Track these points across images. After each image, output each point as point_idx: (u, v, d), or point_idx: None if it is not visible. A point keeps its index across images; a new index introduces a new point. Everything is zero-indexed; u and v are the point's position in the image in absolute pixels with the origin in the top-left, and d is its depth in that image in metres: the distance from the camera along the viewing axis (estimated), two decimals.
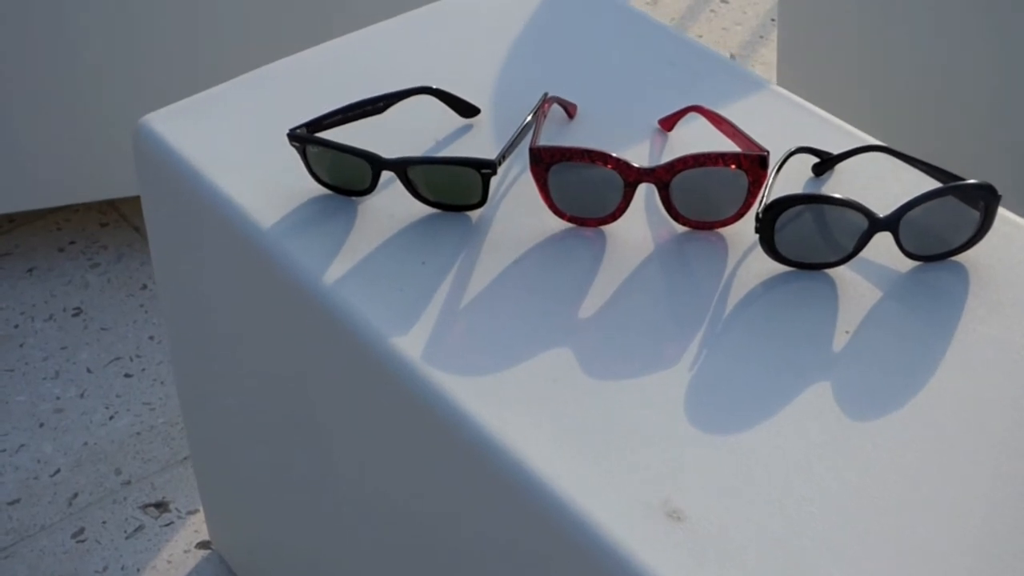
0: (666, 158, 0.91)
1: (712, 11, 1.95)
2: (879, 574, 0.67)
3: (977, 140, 1.35)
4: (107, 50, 1.42)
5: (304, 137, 0.89)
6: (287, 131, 0.91)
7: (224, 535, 1.18)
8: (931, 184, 0.88)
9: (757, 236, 0.83)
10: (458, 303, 0.83)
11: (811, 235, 0.82)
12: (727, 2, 1.96)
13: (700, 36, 1.90)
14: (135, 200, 1.61)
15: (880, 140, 0.93)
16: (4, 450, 1.33)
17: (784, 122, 0.95)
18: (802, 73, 1.52)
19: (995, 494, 0.70)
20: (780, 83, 1.54)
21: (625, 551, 0.68)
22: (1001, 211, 0.86)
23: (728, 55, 1.85)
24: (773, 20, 1.91)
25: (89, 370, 1.41)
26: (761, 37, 1.89)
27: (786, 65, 1.53)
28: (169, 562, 1.22)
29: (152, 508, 1.27)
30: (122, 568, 1.22)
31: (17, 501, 1.28)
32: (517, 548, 0.75)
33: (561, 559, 0.72)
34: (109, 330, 1.45)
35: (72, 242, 1.57)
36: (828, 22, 1.47)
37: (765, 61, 1.84)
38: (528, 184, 0.90)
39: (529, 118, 0.91)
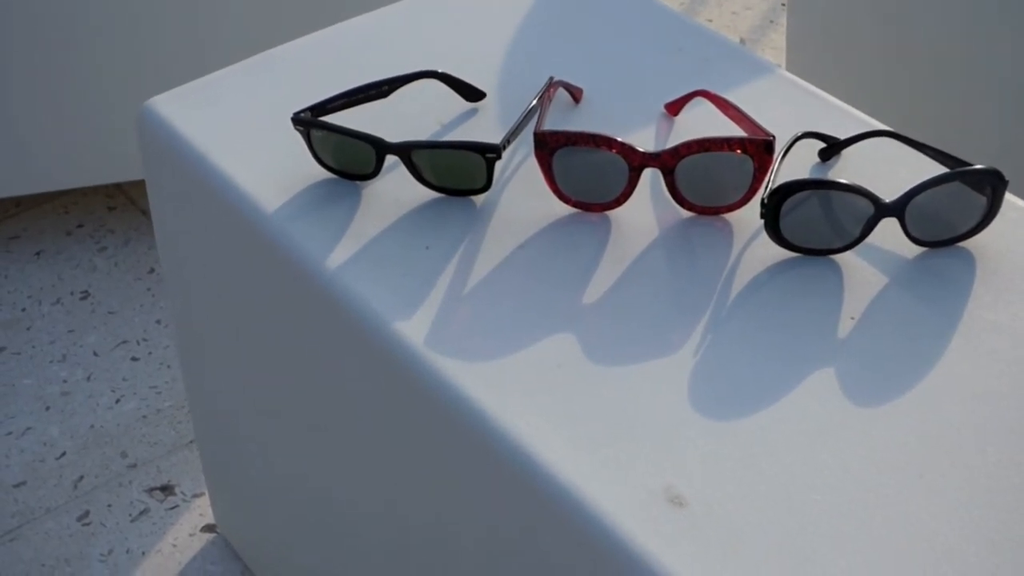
0: (672, 143, 0.91)
1: None
2: (882, 561, 0.67)
3: (985, 125, 1.35)
4: (114, 33, 1.42)
5: (308, 121, 0.89)
6: (291, 115, 0.91)
7: (229, 518, 1.18)
8: (938, 170, 0.87)
9: (762, 222, 0.83)
10: (462, 288, 0.82)
11: (817, 221, 0.82)
12: None
13: (710, 20, 1.89)
14: (142, 184, 1.61)
15: (890, 126, 0.93)
16: (10, 433, 1.33)
17: (792, 107, 0.94)
18: (812, 58, 1.51)
19: (999, 482, 0.70)
20: (789, 68, 1.53)
21: (626, 536, 0.68)
22: (1008, 197, 0.86)
23: (738, 40, 1.84)
24: (783, 4, 1.90)
25: (96, 353, 1.41)
26: (771, 22, 1.89)
27: (795, 50, 1.53)
28: (174, 545, 1.22)
29: (157, 491, 1.27)
30: (127, 551, 1.22)
31: (23, 483, 1.28)
32: (518, 533, 0.75)
33: (562, 544, 0.71)
34: (116, 314, 1.45)
35: (80, 225, 1.57)
36: (838, 7, 1.46)
37: (775, 46, 1.83)
38: (533, 169, 0.90)
39: (534, 102, 0.90)
